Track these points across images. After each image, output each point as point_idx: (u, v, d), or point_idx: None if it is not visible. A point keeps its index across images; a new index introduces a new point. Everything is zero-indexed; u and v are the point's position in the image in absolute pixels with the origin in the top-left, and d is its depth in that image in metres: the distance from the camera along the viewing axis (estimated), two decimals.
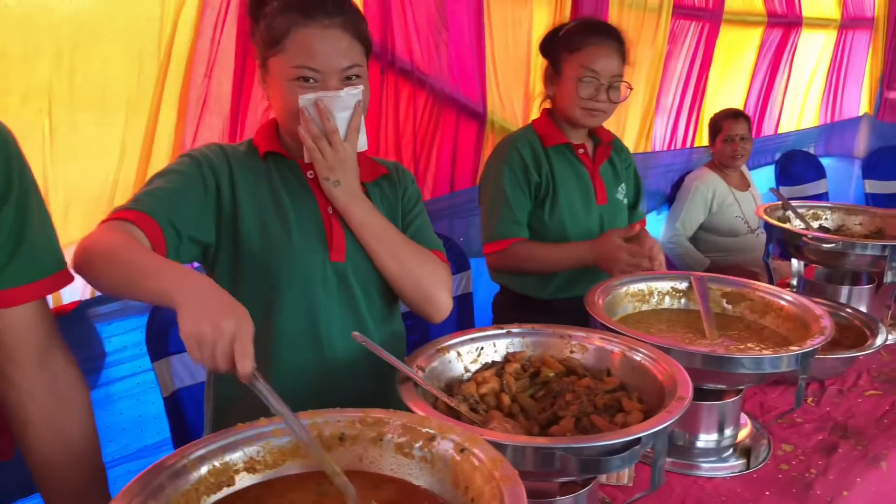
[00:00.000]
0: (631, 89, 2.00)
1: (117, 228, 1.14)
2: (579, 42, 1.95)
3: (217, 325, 0.92)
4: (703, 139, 3.81)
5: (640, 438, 1.01)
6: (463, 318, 2.57)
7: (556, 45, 2.02)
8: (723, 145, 3.37)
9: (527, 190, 2.01)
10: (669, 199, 3.62)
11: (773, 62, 4.38)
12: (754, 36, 4.18)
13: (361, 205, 1.34)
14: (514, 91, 2.83)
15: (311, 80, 1.26)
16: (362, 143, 1.34)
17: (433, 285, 1.38)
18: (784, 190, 4.52)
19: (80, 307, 1.72)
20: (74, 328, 1.74)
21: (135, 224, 1.17)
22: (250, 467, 0.95)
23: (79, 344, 1.74)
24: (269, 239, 1.33)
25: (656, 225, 3.55)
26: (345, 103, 1.27)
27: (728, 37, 3.96)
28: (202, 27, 1.88)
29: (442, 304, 1.40)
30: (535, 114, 2.19)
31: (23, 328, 1.01)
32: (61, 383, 1.07)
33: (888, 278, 1.94)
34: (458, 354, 1.31)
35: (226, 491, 0.92)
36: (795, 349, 1.34)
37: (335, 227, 1.36)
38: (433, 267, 1.40)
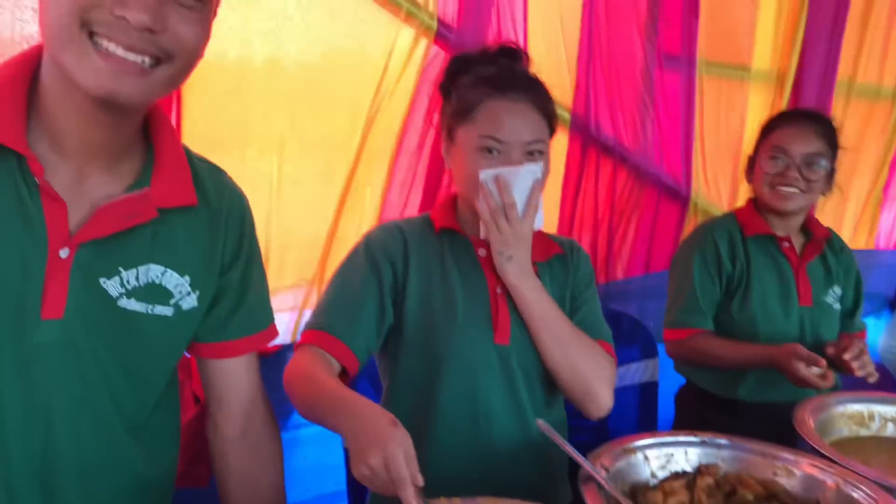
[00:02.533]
0: (833, 170, 1.86)
1: (310, 355, 1.24)
2: (773, 125, 1.92)
3: (371, 466, 0.94)
4: None
5: None
6: (645, 409, 2.43)
7: (759, 134, 1.97)
8: None
9: (717, 280, 1.91)
10: (892, 303, 3.24)
11: None
12: None
13: (531, 283, 1.31)
14: (722, 174, 2.69)
15: (495, 152, 1.28)
16: (539, 221, 1.33)
17: (594, 379, 1.31)
18: None
19: (282, 350, 1.82)
20: (273, 370, 1.85)
21: (326, 350, 1.25)
22: None
23: (274, 386, 1.85)
24: (432, 316, 1.33)
25: (875, 331, 3.18)
26: (524, 179, 1.28)
27: None
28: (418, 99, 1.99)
29: (602, 401, 1.33)
30: (742, 199, 2.07)
31: (236, 379, 1.08)
32: (261, 437, 1.12)
33: None
34: (646, 458, 1.23)
35: None
36: None
37: (501, 308, 1.33)
38: (597, 360, 1.33)
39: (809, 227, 1.98)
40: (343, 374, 1.28)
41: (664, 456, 1.25)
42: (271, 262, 1.86)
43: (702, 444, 1.26)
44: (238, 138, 1.80)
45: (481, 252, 1.36)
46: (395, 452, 0.93)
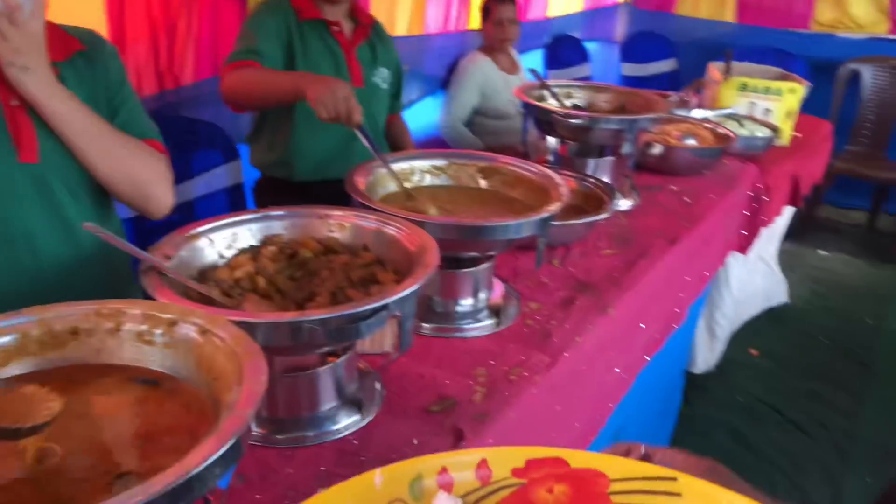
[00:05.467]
0: None
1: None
2: None
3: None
4: (477, 22, 3.88)
5: (386, 304, 1.07)
6: (236, 209, 2.49)
7: None
8: (493, 28, 3.46)
9: (276, 41, 1.94)
10: (444, 82, 3.68)
11: None
12: None
13: (59, 94, 1.18)
14: None
15: None
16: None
17: (150, 182, 1.30)
18: (553, 73, 4.78)
19: None
20: None
21: None
22: None
23: None
24: None
25: (433, 109, 3.61)
26: None
27: None
28: None
29: (161, 201, 1.33)
30: None
31: None
32: None
33: (625, 150, 2.15)
34: (211, 241, 1.27)
35: None
36: (535, 215, 1.45)
37: (22, 122, 1.19)
38: (149, 161, 1.31)
39: (356, 15, 2.10)
40: None
41: (229, 236, 1.30)
42: None
43: (263, 218, 1.34)
44: None
45: None
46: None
